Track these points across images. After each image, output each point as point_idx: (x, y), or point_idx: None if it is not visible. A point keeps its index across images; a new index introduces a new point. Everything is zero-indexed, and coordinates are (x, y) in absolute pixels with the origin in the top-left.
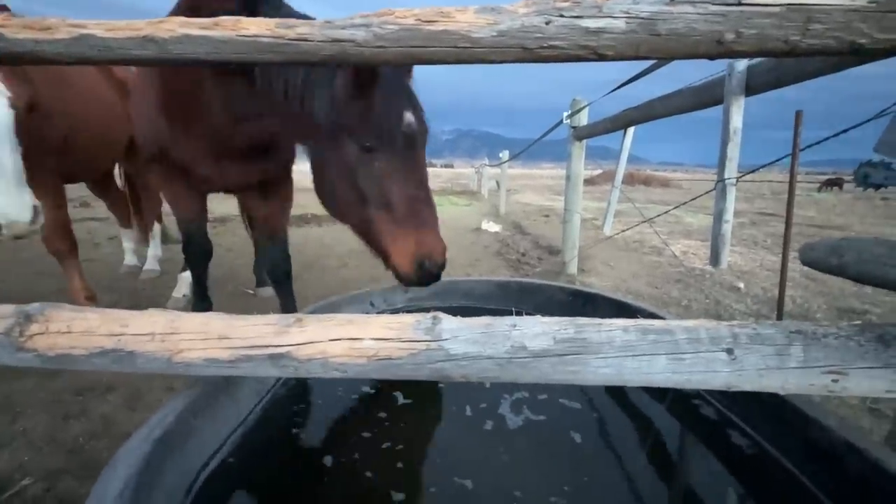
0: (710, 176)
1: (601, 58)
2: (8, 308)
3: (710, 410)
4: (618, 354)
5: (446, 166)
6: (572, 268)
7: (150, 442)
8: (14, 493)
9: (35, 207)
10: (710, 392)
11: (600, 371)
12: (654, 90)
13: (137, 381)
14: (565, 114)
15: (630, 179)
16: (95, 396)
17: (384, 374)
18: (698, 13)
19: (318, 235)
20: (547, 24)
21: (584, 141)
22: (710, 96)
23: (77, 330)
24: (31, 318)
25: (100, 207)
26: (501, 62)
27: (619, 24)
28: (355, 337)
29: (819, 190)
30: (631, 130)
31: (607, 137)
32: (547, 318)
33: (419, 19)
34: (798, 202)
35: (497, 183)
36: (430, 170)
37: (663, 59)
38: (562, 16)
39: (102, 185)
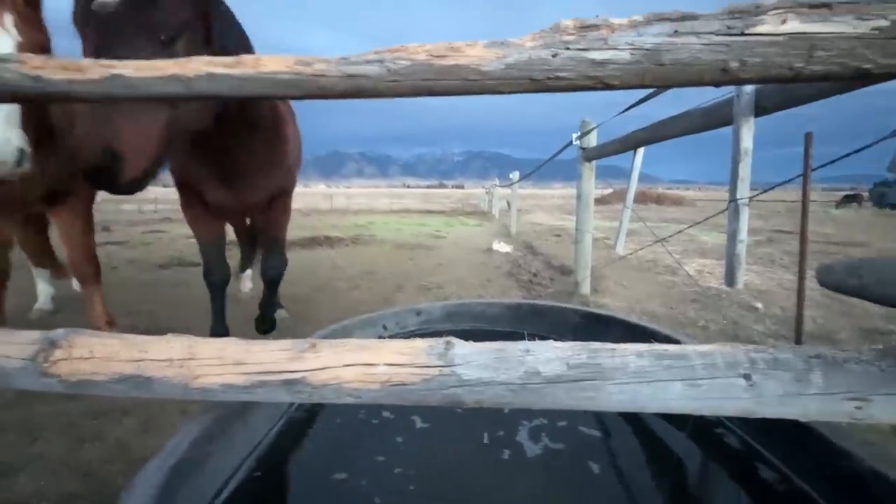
0: (723, 193)
1: (607, 87)
2: (34, 334)
3: (733, 438)
4: (632, 380)
5: (457, 187)
6: (585, 288)
7: (164, 470)
8: None
9: (21, 150)
10: (732, 419)
11: (615, 397)
12: (665, 109)
13: (152, 405)
14: (574, 135)
15: (642, 198)
16: (111, 420)
17: (398, 400)
18: (702, 44)
19: (329, 257)
20: (553, 56)
21: (594, 161)
22: (719, 117)
23: (99, 356)
24: (55, 343)
25: (118, 232)
26: (510, 93)
27: (624, 55)
28: (369, 363)
29: (837, 206)
30: (641, 150)
31: (618, 156)
32: (560, 343)
33: (430, 54)
34: (816, 219)
35: (508, 203)
36: (441, 190)
37: (668, 87)
38: (568, 48)
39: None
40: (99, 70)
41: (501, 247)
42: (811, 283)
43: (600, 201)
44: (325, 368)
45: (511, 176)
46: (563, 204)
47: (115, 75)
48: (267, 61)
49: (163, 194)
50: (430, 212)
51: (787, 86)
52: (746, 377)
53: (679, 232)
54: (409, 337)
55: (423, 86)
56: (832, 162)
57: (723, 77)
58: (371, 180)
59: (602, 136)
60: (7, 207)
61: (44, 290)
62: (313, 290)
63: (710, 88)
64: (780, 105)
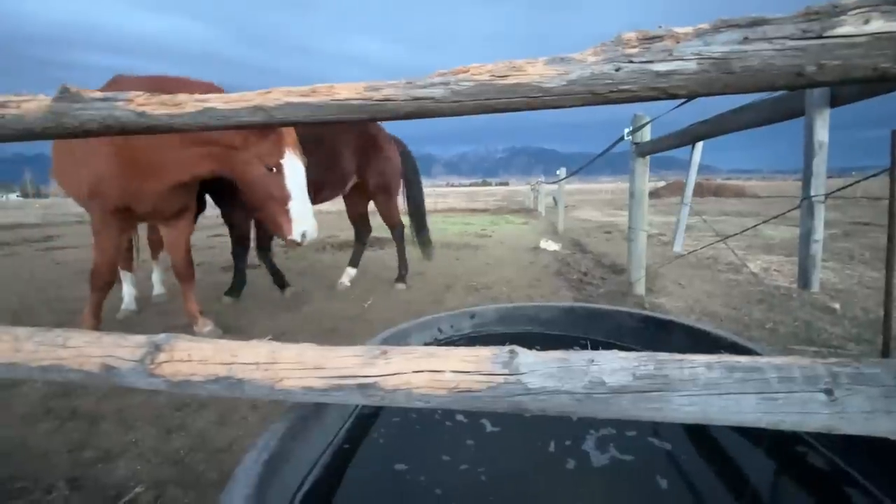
0: (790, 183)
1: (672, 97)
2: (141, 338)
3: (816, 457)
4: (702, 392)
5: (501, 184)
6: (640, 288)
7: (260, 464)
8: (129, 499)
9: (316, 227)
10: (813, 434)
11: (684, 409)
12: (724, 101)
13: (225, 400)
14: (626, 130)
15: (699, 191)
16: (192, 412)
17: (465, 406)
18: (775, 49)
19: (379, 258)
20: (617, 70)
21: (648, 156)
22: (787, 109)
23: (196, 358)
24: (159, 347)
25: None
26: (571, 107)
27: (691, 65)
28: (436, 369)
29: None
30: (700, 143)
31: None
32: (625, 353)
33: (493, 75)
34: None
35: (554, 199)
36: (485, 188)
37: (738, 93)
38: (631, 62)
39: None
40: (194, 104)
41: (549, 245)
42: None
43: (653, 195)
44: (395, 374)
45: (557, 172)
46: (613, 199)
47: (208, 108)
48: (339, 89)
49: None
50: (474, 210)
51: None
52: (828, 392)
53: (746, 230)
54: (463, 339)
55: (485, 105)
56: None
57: (797, 81)
58: None
59: (655, 129)
60: (157, 218)
61: (129, 292)
62: (365, 291)
63: None
64: (859, 95)
